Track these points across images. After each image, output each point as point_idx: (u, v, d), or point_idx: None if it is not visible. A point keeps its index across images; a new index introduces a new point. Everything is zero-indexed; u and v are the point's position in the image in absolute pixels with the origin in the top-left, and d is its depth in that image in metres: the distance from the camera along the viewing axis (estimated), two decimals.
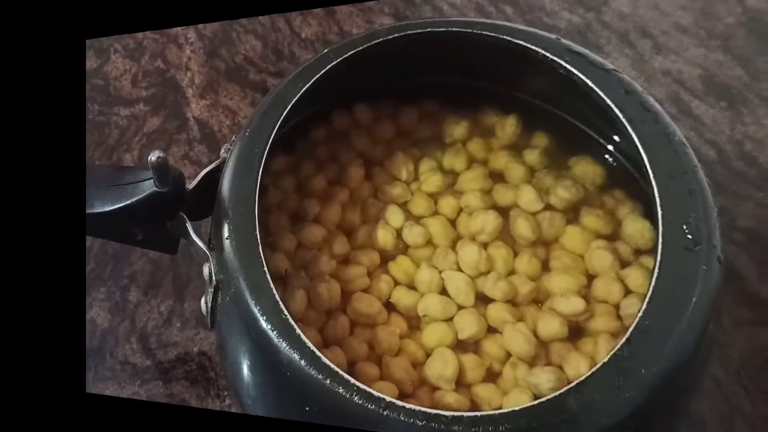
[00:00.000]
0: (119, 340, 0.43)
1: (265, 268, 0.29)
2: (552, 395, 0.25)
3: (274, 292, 0.29)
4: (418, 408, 0.26)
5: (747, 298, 0.38)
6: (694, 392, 0.29)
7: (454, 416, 0.26)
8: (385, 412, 0.26)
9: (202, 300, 0.34)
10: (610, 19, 0.46)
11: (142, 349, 0.43)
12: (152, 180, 0.34)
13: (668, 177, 0.29)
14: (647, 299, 0.27)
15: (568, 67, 0.31)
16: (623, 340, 0.26)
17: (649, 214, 0.33)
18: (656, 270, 0.27)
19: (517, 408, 0.25)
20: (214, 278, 0.32)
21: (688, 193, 0.29)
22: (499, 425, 0.25)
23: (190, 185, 0.35)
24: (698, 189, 0.29)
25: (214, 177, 0.35)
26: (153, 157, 0.33)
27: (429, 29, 0.34)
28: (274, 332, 0.28)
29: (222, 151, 0.36)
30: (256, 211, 0.31)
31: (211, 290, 0.32)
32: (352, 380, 0.26)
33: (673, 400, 0.27)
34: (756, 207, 0.40)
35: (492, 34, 0.33)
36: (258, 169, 0.32)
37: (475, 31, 0.33)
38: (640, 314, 0.26)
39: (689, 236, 0.28)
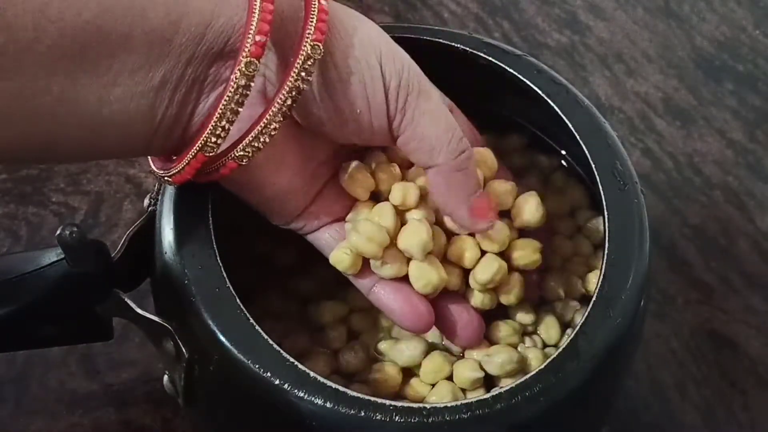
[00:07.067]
0: (51, 363, 0.38)
1: (252, 322, 0.27)
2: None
3: (277, 349, 0.27)
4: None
5: (694, 282, 0.46)
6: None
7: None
8: None
9: (166, 378, 0.30)
10: (592, 42, 0.54)
11: (85, 372, 0.39)
12: (64, 261, 0.28)
13: (589, 135, 0.33)
14: (608, 230, 0.31)
15: (487, 57, 0.34)
16: (601, 277, 0.29)
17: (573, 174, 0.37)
18: (605, 209, 0.31)
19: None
20: (184, 353, 0.28)
21: (607, 146, 0.33)
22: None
23: (115, 254, 0.30)
24: (612, 141, 0.33)
25: (144, 234, 0.30)
26: (65, 231, 0.27)
27: None
28: (288, 385, 0.26)
29: (146, 202, 0.31)
30: (219, 261, 0.28)
31: (182, 366, 0.28)
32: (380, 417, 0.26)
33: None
34: (701, 208, 0.49)
35: (413, 36, 0.35)
36: (206, 205, 0.28)
37: (395, 35, 0.32)
38: (606, 251, 0.30)
39: (619, 180, 0.32)
